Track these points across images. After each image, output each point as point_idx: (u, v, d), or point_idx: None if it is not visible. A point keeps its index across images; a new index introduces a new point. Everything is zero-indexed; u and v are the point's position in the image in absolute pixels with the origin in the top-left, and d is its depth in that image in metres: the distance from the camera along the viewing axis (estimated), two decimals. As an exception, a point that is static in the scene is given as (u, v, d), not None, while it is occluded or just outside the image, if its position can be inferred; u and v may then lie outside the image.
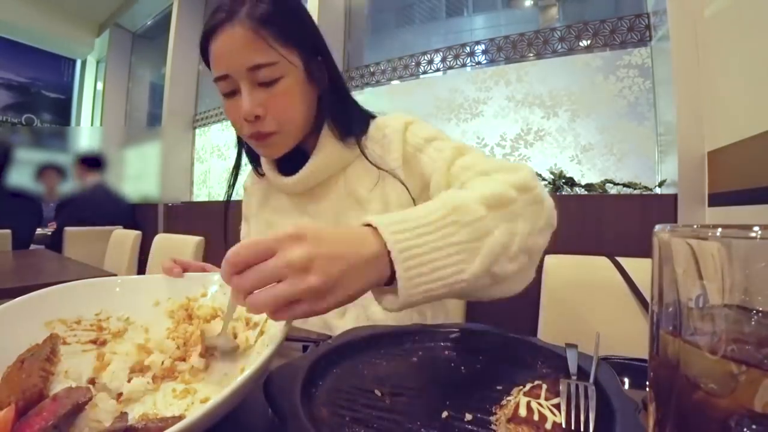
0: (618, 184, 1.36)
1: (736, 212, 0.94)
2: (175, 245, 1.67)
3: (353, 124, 0.67)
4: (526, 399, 0.29)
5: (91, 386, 0.34)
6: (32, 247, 2.74)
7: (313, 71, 0.63)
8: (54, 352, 0.36)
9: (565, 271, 0.87)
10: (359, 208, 0.66)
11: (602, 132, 1.48)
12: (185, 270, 0.52)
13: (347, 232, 0.36)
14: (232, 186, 0.74)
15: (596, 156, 1.49)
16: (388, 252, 0.35)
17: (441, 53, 1.86)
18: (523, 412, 0.27)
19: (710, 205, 1.07)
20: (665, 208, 1.16)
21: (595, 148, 1.49)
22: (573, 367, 0.35)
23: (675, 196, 1.14)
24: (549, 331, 0.85)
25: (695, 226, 0.17)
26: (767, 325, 0.15)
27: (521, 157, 1.63)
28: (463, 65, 1.80)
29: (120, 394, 0.36)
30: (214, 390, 0.37)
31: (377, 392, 0.35)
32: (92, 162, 2.98)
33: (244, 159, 0.76)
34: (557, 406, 0.29)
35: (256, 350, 0.39)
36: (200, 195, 3.07)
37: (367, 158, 0.66)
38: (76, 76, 4.89)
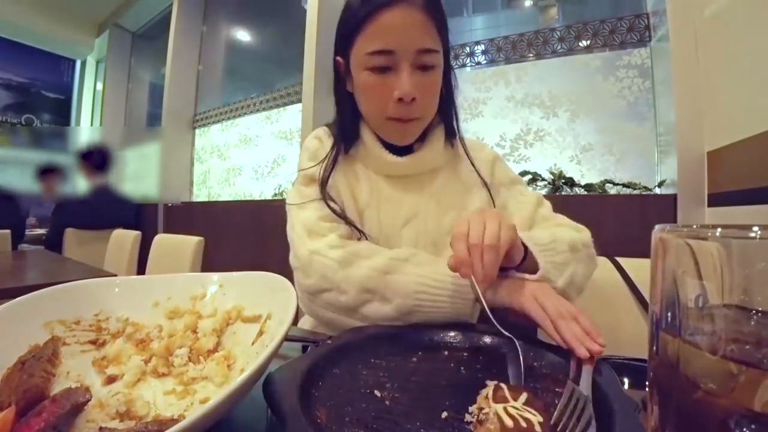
0: (617, 184, 1.36)
1: (736, 212, 0.94)
2: (174, 245, 1.67)
3: (456, 128, 0.72)
4: (501, 406, 0.28)
5: (89, 387, 0.34)
6: (30, 247, 2.74)
7: (449, 67, 0.67)
8: (55, 354, 0.37)
9: (564, 271, 0.87)
10: (438, 209, 0.69)
11: (602, 132, 1.48)
12: None
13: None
14: (326, 180, 0.68)
15: (596, 156, 1.49)
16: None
17: (441, 53, 1.86)
18: (509, 422, 0.27)
19: (710, 205, 1.07)
20: (665, 208, 1.16)
21: (595, 149, 1.49)
22: (573, 371, 0.35)
23: (674, 197, 1.14)
24: (549, 331, 0.85)
25: (695, 226, 0.17)
26: (767, 325, 0.15)
27: (521, 157, 1.63)
28: (463, 65, 1.80)
29: (113, 377, 0.36)
30: (214, 390, 0.37)
31: (377, 393, 0.35)
32: (96, 159, 2.96)
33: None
34: (528, 404, 0.29)
35: (255, 350, 0.39)
36: (200, 195, 3.07)
37: (471, 162, 0.72)
38: (75, 77, 4.89)
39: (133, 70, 4.27)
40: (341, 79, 0.69)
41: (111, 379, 0.38)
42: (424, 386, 0.36)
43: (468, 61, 1.79)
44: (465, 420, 0.30)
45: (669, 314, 0.18)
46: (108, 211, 2.82)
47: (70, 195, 3.04)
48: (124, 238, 2.13)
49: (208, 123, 3.00)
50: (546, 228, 0.66)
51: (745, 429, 0.15)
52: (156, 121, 3.58)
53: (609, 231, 1.20)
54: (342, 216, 0.67)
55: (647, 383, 0.19)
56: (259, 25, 3.13)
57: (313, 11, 2.03)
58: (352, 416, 0.31)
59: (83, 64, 4.83)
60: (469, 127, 1.74)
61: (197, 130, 3.13)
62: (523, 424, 0.27)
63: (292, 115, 2.40)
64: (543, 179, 1.49)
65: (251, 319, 0.44)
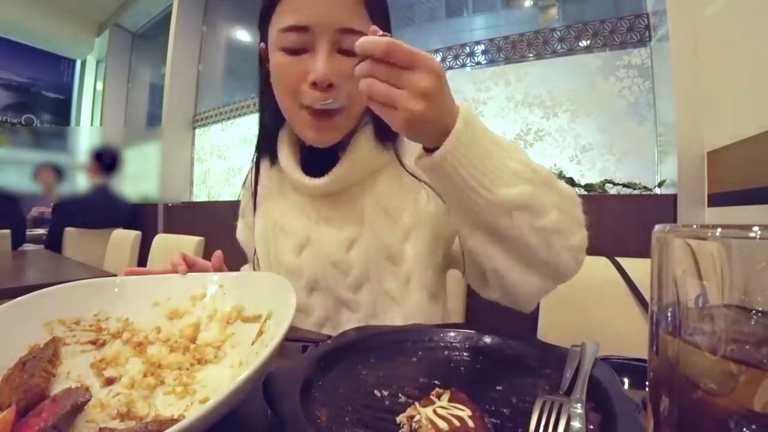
0: (617, 184, 1.36)
1: (736, 212, 0.94)
2: (174, 245, 1.67)
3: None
4: (430, 409, 0.29)
5: (89, 387, 0.34)
6: (30, 247, 2.73)
7: None
8: (56, 354, 0.37)
9: (564, 271, 0.87)
10: (387, 218, 0.60)
11: (602, 132, 1.48)
12: (191, 266, 0.52)
13: (452, 101, 0.40)
14: (256, 179, 0.68)
15: (596, 156, 1.49)
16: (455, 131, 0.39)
17: (441, 53, 1.86)
18: (443, 425, 0.27)
19: (710, 205, 1.07)
20: (665, 208, 1.16)
21: (595, 149, 1.49)
22: (570, 371, 0.35)
23: (674, 197, 1.14)
24: (549, 331, 0.85)
25: (695, 226, 0.17)
26: (767, 325, 0.15)
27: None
28: (463, 65, 1.80)
29: (112, 380, 0.36)
30: (214, 390, 0.37)
31: (377, 393, 0.35)
32: (107, 160, 2.96)
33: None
34: (452, 400, 0.30)
35: (255, 350, 0.39)
36: (200, 195, 3.07)
37: (402, 165, 0.61)
38: (75, 77, 4.89)
39: (133, 70, 4.27)
40: (265, 71, 0.61)
41: (109, 381, 0.38)
42: (424, 386, 0.36)
43: (468, 61, 1.79)
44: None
45: (669, 314, 0.18)
46: (107, 210, 2.82)
47: (69, 195, 3.04)
48: (124, 238, 2.13)
49: (208, 123, 3.00)
50: None
51: (745, 429, 0.15)
52: (156, 121, 3.58)
53: (609, 231, 1.20)
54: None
55: (647, 383, 0.19)
56: (259, 25, 3.12)
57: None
58: (352, 416, 0.31)
59: (83, 64, 4.83)
60: (469, 127, 1.74)
61: (197, 130, 3.13)
62: (456, 423, 0.27)
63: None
64: (543, 179, 1.49)
65: (251, 319, 0.44)
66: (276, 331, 0.34)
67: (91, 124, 4.70)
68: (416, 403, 0.30)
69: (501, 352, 0.42)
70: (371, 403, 0.33)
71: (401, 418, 0.29)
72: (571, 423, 0.28)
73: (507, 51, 1.70)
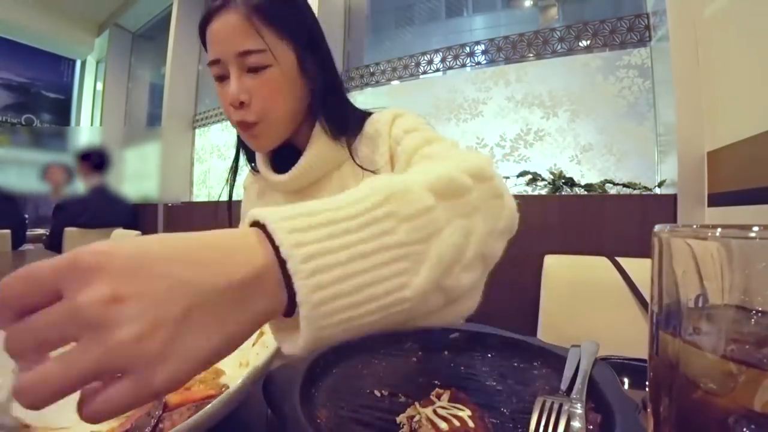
0: (618, 184, 1.36)
1: (736, 212, 0.94)
2: (174, 245, 1.67)
3: (346, 123, 0.66)
4: (430, 410, 0.29)
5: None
6: (29, 247, 2.73)
7: (305, 65, 0.63)
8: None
9: (565, 271, 0.87)
10: None
11: (602, 132, 1.48)
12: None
13: (207, 240, 0.22)
14: (231, 185, 0.75)
15: (596, 156, 1.49)
16: (283, 262, 0.22)
17: (441, 53, 1.86)
18: (443, 425, 0.27)
19: (710, 205, 1.07)
20: (665, 208, 1.16)
21: (595, 149, 1.49)
22: (570, 371, 0.35)
23: (675, 197, 1.14)
24: (549, 331, 0.85)
25: (695, 226, 0.17)
26: (767, 325, 0.15)
27: (521, 157, 1.63)
28: (463, 65, 1.80)
29: None
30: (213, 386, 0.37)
31: (377, 393, 0.35)
32: (95, 160, 2.95)
33: (242, 160, 0.77)
34: (452, 400, 0.30)
35: (255, 351, 0.39)
36: (200, 195, 3.07)
37: (354, 161, 0.65)
38: (75, 77, 4.89)
39: (133, 70, 4.27)
40: None
41: None
42: (424, 386, 0.36)
43: (468, 61, 1.79)
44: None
45: (669, 314, 0.18)
46: (106, 210, 2.81)
47: (69, 195, 3.03)
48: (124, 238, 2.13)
49: (208, 123, 3.00)
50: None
51: (745, 429, 0.15)
52: (156, 121, 3.58)
53: (609, 231, 1.20)
54: None
55: (647, 383, 0.19)
56: (259, 25, 3.13)
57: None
58: (352, 416, 0.31)
59: (83, 64, 4.83)
60: (469, 127, 1.74)
61: (197, 130, 3.13)
62: (456, 423, 0.27)
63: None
64: (543, 179, 1.49)
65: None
66: None
67: (91, 124, 4.70)
68: (416, 404, 0.30)
69: (501, 352, 0.42)
70: (371, 403, 0.33)
71: (401, 419, 0.29)
72: (571, 423, 0.28)
73: (507, 51, 1.70)
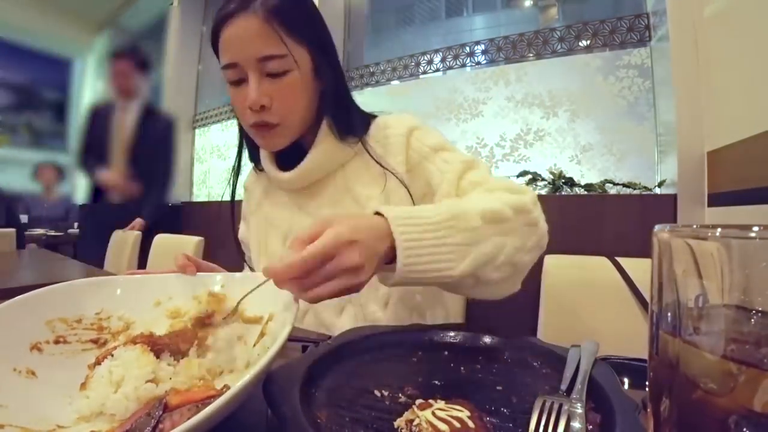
0: (618, 184, 1.36)
1: (736, 212, 0.94)
2: (174, 245, 1.67)
3: (353, 123, 0.67)
4: (429, 412, 0.29)
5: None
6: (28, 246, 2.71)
7: (319, 67, 0.64)
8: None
9: (565, 271, 0.87)
10: (357, 206, 0.66)
11: (602, 132, 1.48)
12: (197, 269, 0.52)
13: (369, 223, 0.41)
14: (234, 184, 0.75)
15: (596, 156, 1.49)
16: (393, 240, 0.41)
17: (441, 53, 1.86)
18: (443, 427, 0.27)
19: (710, 205, 1.07)
20: (665, 208, 1.16)
21: (595, 148, 1.49)
22: (570, 371, 0.35)
23: (674, 196, 1.14)
24: (549, 331, 0.85)
25: (695, 226, 0.17)
26: (767, 325, 0.15)
27: (521, 157, 1.63)
28: (463, 65, 1.80)
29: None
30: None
31: (377, 393, 0.35)
32: (137, 59, 2.14)
33: (245, 159, 0.77)
34: (449, 401, 0.30)
35: (256, 352, 0.39)
36: (200, 195, 3.07)
37: (372, 156, 0.66)
38: (75, 77, 4.89)
39: (133, 70, 4.27)
40: None
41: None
42: (424, 386, 0.36)
43: (468, 61, 1.79)
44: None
45: (669, 314, 0.18)
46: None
47: (61, 195, 2.97)
48: (125, 238, 2.13)
49: (208, 123, 3.00)
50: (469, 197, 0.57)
51: (745, 429, 0.15)
52: (156, 121, 3.57)
53: (609, 231, 1.20)
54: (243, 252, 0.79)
55: (647, 383, 0.19)
56: (259, 25, 3.13)
57: (313, 11, 2.03)
58: (352, 416, 0.31)
59: (83, 63, 4.83)
60: (469, 127, 1.74)
61: (197, 130, 3.13)
62: (457, 425, 0.27)
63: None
64: (543, 179, 1.49)
65: (252, 320, 0.44)
66: (278, 334, 0.34)
67: (91, 124, 4.69)
68: (414, 407, 0.30)
69: (501, 352, 0.42)
70: (371, 403, 0.33)
71: (399, 423, 0.29)
72: (571, 423, 0.28)
73: (507, 51, 1.70)
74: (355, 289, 0.39)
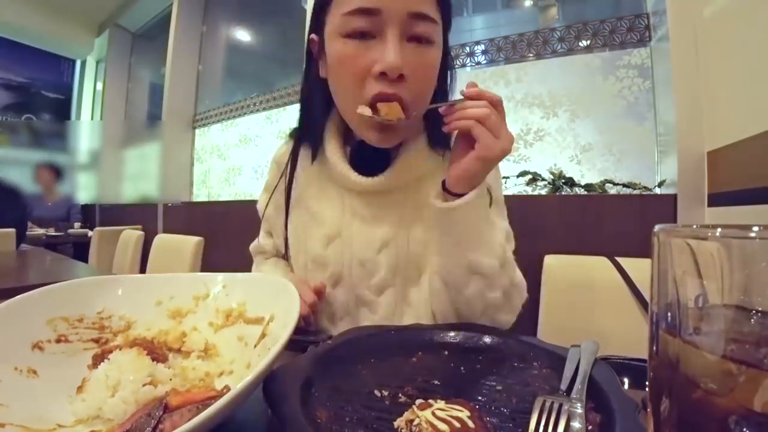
0: (617, 184, 1.36)
1: (736, 212, 0.94)
2: (174, 245, 1.67)
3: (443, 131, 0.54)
4: (428, 412, 0.29)
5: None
6: (27, 247, 2.71)
7: (447, 53, 0.56)
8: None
9: (565, 271, 0.87)
10: (425, 225, 0.58)
11: (602, 132, 1.48)
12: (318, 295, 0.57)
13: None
14: (291, 175, 0.65)
15: (596, 156, 1.49)
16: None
17: (441, 53, 1.86)
18: (443, 427, 0.27)
19: (710, 205, 1.07)
20: (665, 208, 1.16)
21: (595, 149, 1.49)
22: (570, 371, 0.35)
23: (674, 196, 1.14)
24: (549, 331, 0.85)
25: (695, 226, 0.17)
26: (767, 325, 0.15)
27: (521, 157, 1.63)
28: (463, 65, 1.80)
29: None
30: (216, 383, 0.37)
31: (377, 393, 0.35)
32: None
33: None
34: (449, 401, 0.30)
35: (257, 353, 0.39)
36: (200, 195, 3.07)
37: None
38: (75, 77, 4.89)
39: (133, 70, 4.27)
40: (314, 62, 0.58)
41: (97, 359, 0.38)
42: (424, 386, 0.36)
43: (468, 61, 1.79)
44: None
45: (669, 314, 0.18)
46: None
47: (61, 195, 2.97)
48: (129, 239, 2.14)
49: (209, 123, 3.00)
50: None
51: (745, 429, 0.15)
52: (156, 122, 3.58)
53: (609, 231, 1.20)
54: (274, 250, 0.70)
55: (647, 383, 0.19)
56: (259, 25, 3.13)
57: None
58: (352, 416, 0.31)
59: (83, 63, 4.83)
60: (469, 127, 1.74)
61: (197, 130, 3.13)
62: (457, 425, 0.27)
63: (292, 115, 2.40)
64: (543, 179, 1.49)
65: (254, 320, 0.44)
66: (279, 335, 0.34)
67: (91, 125, 4.70)
68: (414, 407, 0.30)
69: (501, 352, 0.42)
70: (371, 403, 0.33)
71: (399, 423, 0.29)
72: (571, 423, 0.28)
73: (507, 51, 1.70)
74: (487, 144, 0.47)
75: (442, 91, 0.58)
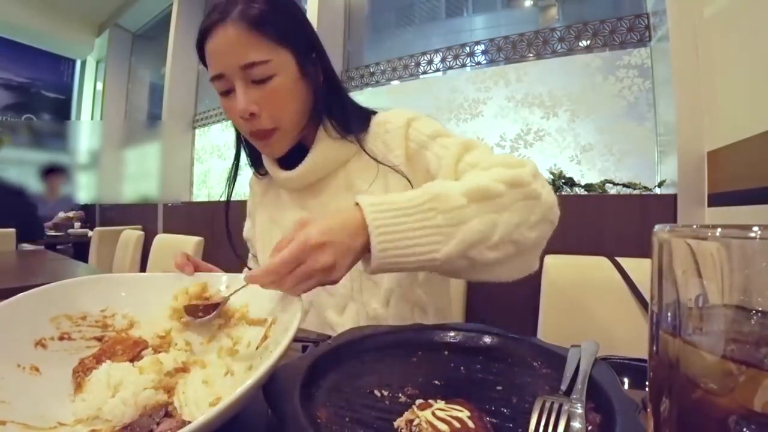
0: (618, 184, 1.36)
1: (736, 212, 0.94)
2: (174, 245, 1.67)
3: (350, 120, 0.67)
4: (428, 412, 0.29)
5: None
6: (28, 246, 2.72)
7: (307, 69, 0.63)
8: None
9: (565, 271, 0.87)
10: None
11: (602, 132, 1.48)
12: (196, 269, 0.53)
13: (342, 219, 0.42)
14: (231, 185, 0.75)
15: (596, 156, 1.49)
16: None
17: (441, 53, 1.86)
18: (443, 427, 0.27)
19: (710, 205, 1.07)
20: (665, 208, 1.16)
21: (595, 149, 1.49)
22: (570, 371, 0.35)
23: (674, 197, 1.14)
24: (549, 331, 0.85)
25: (695, 226, 0.17)
26: (766, 325, 0.15)
27: (521, 157, 1.63)
28: (463, 65, 1.80)
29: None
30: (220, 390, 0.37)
31: (377, 393, 0.35)
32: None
33: (242, 160, 0.77)
34: (449, 401, 0.30)
35: (259, 354, 0.39)
36: (200, 195, 3.07)
37: (367, 153, 0.66)
38: (75, 77, 4.89)
39: (133, 70, 4.27)
40: None
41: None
42: (424, 386, 0.36)
43: (468, 61, 1.79)
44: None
45: (669, 314, 0.18)
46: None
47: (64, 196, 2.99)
48: (129, 239, 2.14)
49: (209, 123, 3.00)
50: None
51: (745, 429, 0.15)
52: (156, 122, 3.58)
53: (609, 231, 1.20)
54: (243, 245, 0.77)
55: (647, 383, 0.19)
56: (259, 25, 3.13)
57: (312, 12, 2.03)
58: (352, 416, 0.31)
59: (83, 63, 4.83)
60: (469, 127, 1.74)
61: (197, 130, 3.13)
62: (457, 425, 0.27)
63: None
64: (543, 179, 1.49)
65: (256, 322, 0.44)
66: (281, 338, 0.34)
67: (91, 125, 4.69)
68: (414, 407, 0.30)
69: (501, 352, 0.42)
70: (371, 403, 0.33)
71: (399, 423, 0.29)
72: (571, 423, 0.28)
73: (507, 51, 1.70)
74: (331, 283, 0.42)
75: (326, 90, 0.66)
